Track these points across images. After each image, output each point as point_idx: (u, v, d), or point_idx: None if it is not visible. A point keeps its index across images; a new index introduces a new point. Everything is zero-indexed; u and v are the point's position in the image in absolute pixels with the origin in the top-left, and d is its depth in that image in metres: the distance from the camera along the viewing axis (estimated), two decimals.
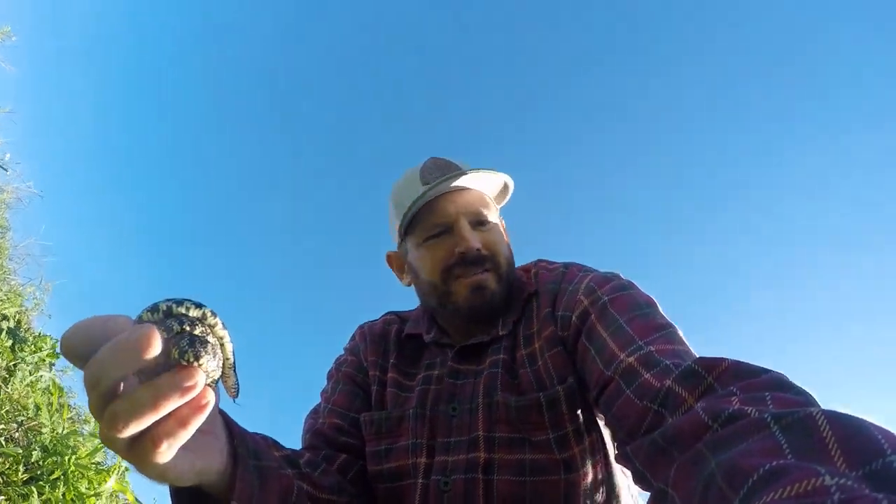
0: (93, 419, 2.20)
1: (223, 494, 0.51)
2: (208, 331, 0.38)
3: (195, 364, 0.36)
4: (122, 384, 0.36)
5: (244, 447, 0.54)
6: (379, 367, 0.91)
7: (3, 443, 1.65)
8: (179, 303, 0.38)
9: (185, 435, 0.38)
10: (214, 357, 0.38)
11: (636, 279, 0.75)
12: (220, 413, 0.51)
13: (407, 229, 0.89)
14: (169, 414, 0.36)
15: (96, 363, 0.34)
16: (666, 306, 0.70)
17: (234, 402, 0.45)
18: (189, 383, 0.35)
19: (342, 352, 0.99)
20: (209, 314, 0.39)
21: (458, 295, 0.83)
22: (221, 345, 0.39)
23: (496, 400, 0.76)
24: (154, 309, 0.37)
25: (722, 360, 0.49)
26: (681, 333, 0.63)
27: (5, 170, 2.41)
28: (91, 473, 1.79)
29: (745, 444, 0.35)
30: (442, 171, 0.86)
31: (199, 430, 0.40)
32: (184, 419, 0.37)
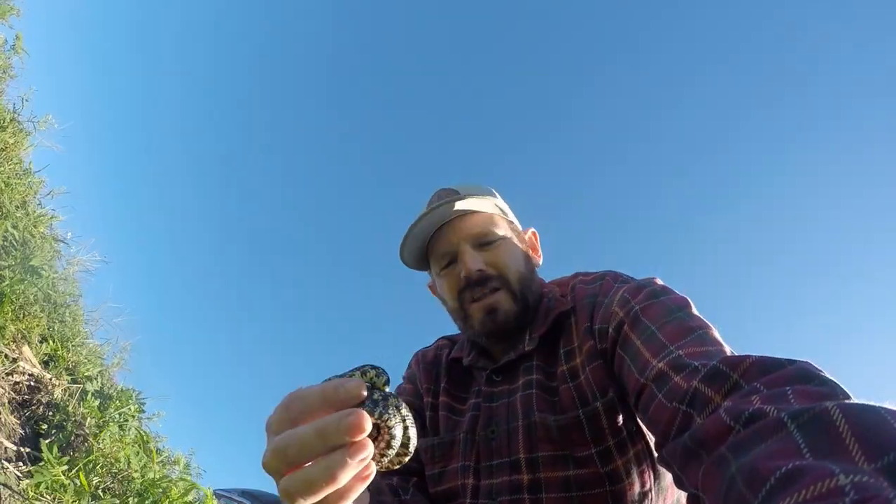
0: (181, 462, 2.26)
1: None
2: (395, 401, 0.40)
3: (387, 435, 0.38)
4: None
5: (372, 484, 0.57)
6: (432, 392, 0.93)
7: (101, 494, 1.70)
8: (379, 373, 0.40)
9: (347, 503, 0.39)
10: (401, 427, 0.39)
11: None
12: None
13: (429, 261, 0.92)
14: None
15: (299, 442, 0.35)
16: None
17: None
18: (365, 458, 0.36)
19: (401, 380, 1.01)
20: (393, 395, 0.40)
21: (474, 319, 0.85)
22: (406, 426, 0.40)
23: (534, 420, 0.77)
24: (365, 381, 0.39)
25: (746, 356, 0.50)
26: (714, 333, 0.63)
27: (69, 245, 2.56)
28: None
29: (764, 445, 0.36)
30: (442, 200, 0.87)
31: None
32: (347, 490, 0.37)
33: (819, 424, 0.34)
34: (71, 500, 1.44)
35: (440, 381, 0.94)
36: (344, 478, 0.35)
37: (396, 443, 0.39)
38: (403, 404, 0.40)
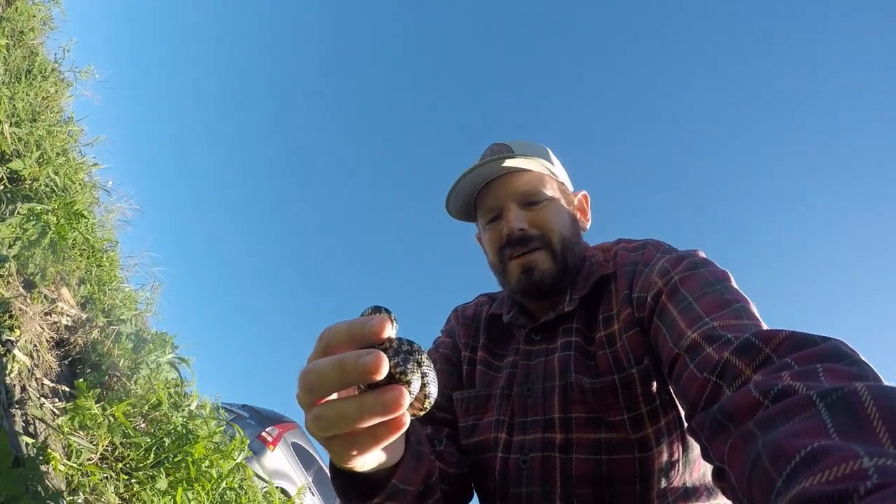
0: (207, 406, 2.36)
1: (385, 472, 0.55)
2: (419, 356, 0.40)
3: (405, 387, 0.36)
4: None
5: (414, 432, 0.59)
6: (470, 347, 0.94)
7: (132, 433, 1.79)
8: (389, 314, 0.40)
9: (377, 448, 0.40)
10: (418, 381, 0.39)
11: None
12: None
13: (476, 213, 0.92)
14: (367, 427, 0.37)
15: (318, 373, 0.36)
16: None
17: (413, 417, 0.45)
18: (395, 407, 0.35)
19: (440, 333, 1.03)
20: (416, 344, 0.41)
21: (512, 276, 0.86)
22: (424, 382, 0.40)
23: (570, 381, 0.77)
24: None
25: (780, 331, 0.49)
26: (752, 308, 0.62)
27: (109, 193, 2.63)
28: (212, 454, 1.90)
29: (791, 422, 0.36)
30: (494, 155, 0.87)
31: None
32: (379, 436, 0.38)
33: (847, 405, 0.34)
34: (104, 435, 1.52)
35: (479, 337, 0.95)
36: (367, 420, 0.36)
37: (411, 396, 0.39)
38: (427, 360, 0.41)
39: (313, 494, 4.72)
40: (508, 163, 0.84)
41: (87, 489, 1.39)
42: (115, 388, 1.95)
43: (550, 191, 0.87)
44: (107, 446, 1.56)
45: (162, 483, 1.66)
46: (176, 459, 1.75)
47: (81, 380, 1.74)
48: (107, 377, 1.93)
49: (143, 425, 1.88)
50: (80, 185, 2.39)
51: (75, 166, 2.39)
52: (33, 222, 1.72)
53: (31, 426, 1.35)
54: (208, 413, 2.15)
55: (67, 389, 1.66)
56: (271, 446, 4.25)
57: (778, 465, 0.33)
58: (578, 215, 0.93)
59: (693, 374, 0.56)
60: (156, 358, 2.34)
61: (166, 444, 1.78)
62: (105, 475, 1.48)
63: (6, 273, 1.58)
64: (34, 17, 2.45)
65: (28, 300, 1.70)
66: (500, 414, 0.82)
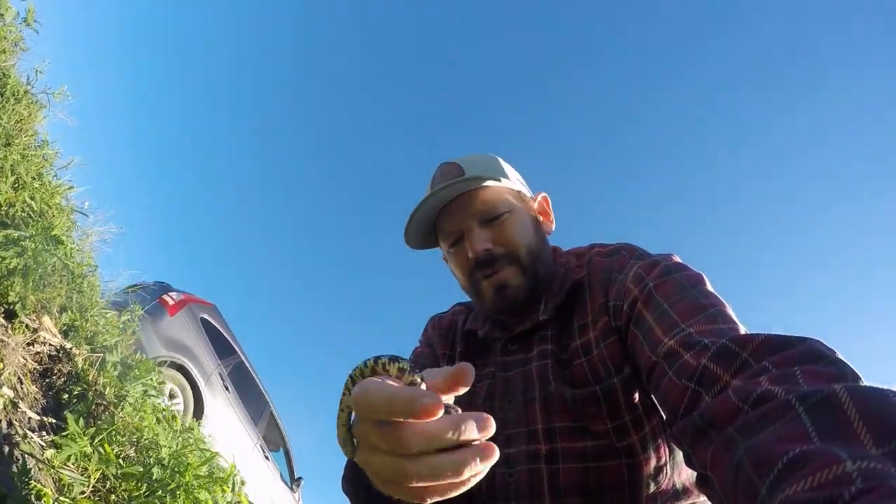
0: (195, 429, 2.29)
1: None
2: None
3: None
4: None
5: None
6: (448, 358, 0.93)
7: (123, 463, 1.73)
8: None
9: (453, 495, 0.38)
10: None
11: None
12: None
13: (438, 236, 0.90)
14: None
15: (371, 402, 0.35)
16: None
17: None
18: (492, 456, 0.36)
19: (417, 343, 1.00)
20: None
21: (486, 296, 0.84)
22: None
23: (550, 391, 0.76)
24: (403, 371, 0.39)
25: (757, 335, 0.49)
26: (728, 310, 0.62)
27: (86, 216, 2.56)
28: (206, 482, 1.85)
29: (772, 428, 0.36)
30: (445, 178, 0.86)
31: None
32: (461, 484, 0.37)
33: (827, 408, 0.33)
34: (95, 469, 1.46)
35: (456, 348, 0.93)
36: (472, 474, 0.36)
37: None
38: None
39: (227, 389, 3.97)
40: (460, 185, 0.83)
41: None
42: (103, 416, 1.88)
43: (508, 202, 0.85)
44: (98, 478, 1.51)
45: None
46: (169, 488, 1.69)
47: (69, 411, 1.68)
48: (93, 406, 1.86)
49: (132, 454, 1.82)
50: (56, 209, 2.32)
51: (51, 190, 2.32)
52: (11, 249, 1.66)
53: (20, 461, 1.30)
54: (196, 437, 2.08)
55: (54, 421, 1.59)
56: (171, 311, 3.56)
57: (761, 471, 0.33)
58: (541, 219, 0.92)
59: (672, 381, 0.56)
60: (143, 384, 2.27)
61: (155, 475, 1.73)
62: None
63: None
64: (5, 38, 2.39)
65: (9, 330, 1.64)
66: None
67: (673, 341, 0.59)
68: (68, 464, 1.42)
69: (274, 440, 4.99)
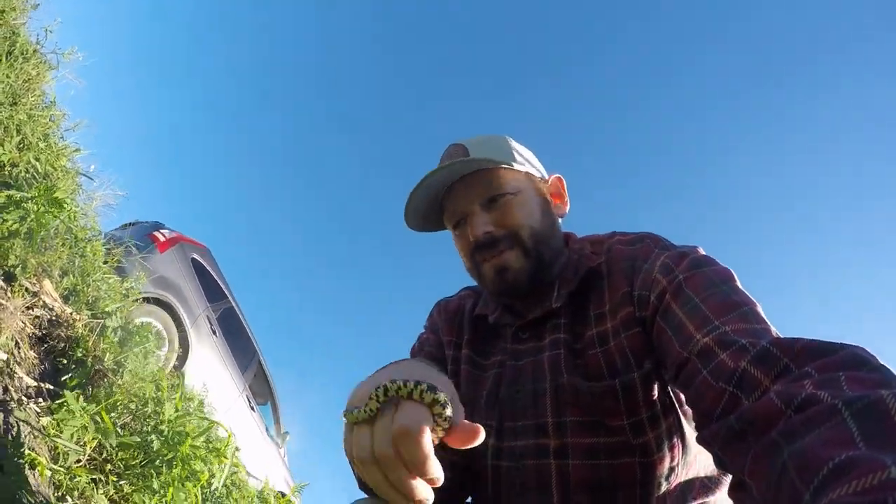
0: (196, 399, 2.29)
1: None
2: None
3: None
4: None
5: None
6: (454, 345, 0.90)
7: (120, 431, 1.73)
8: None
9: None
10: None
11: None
12: None
13: (444, 218, 0.88)
14: None
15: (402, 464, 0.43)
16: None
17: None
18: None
19: (423, 329, 0.97)
20: None
21: (487, 279, 0.83)
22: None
23: (562, 383, 0.74)
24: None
25: (797, 340, 0.48)
26: (759, 310, 0.60)
27: (91, 179, 2.52)
28: (203, 453, 1.85)
29: (818, 432, 0.35)
30: (450, 159, 0.84)
31: None
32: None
33: (874, 413, 0.33)
34: (92, 439, 1.45)
35: (463, 334, 0.90)
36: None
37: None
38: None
39: (215, 333, 3.86)
40: (465, 164, 0.80)
41: (76, 493, 1.33)
42: (102, 383, 1.88)
43: (514, 183, 0.83)
44: (95, 447, 1.50)
45: (154, 484, 1.60)
46: (167, 458, 1.69)
47: (68, 377, 1.67)
48: (92, 373, 1.85)
49: (131, 422, 1.82)
50: (61, 171, 2.29)
51: (57, 152, 2.28)
52: (13, 210, 1.63)
53: (14, 428, 1.29)
54: (197, 406, 2.09)
55: (51, 387, 1.58)
56: (161, 248, 3.45)
57: (805, 477, 0.33)
58: (554, 201, 0.88)
59: (707, 381, 0.54)
60: (142, 350, 2.27)
61: (155, 446, 1.73)
62: (94, 477, 1.42)
63: None
64: None
65: (8, 293, 1.62)
66: (487, 419, 0.79)
67: (707, 339, 0.57)
68: (64, 433, 1.41)
69: (261, 393, 4.88)
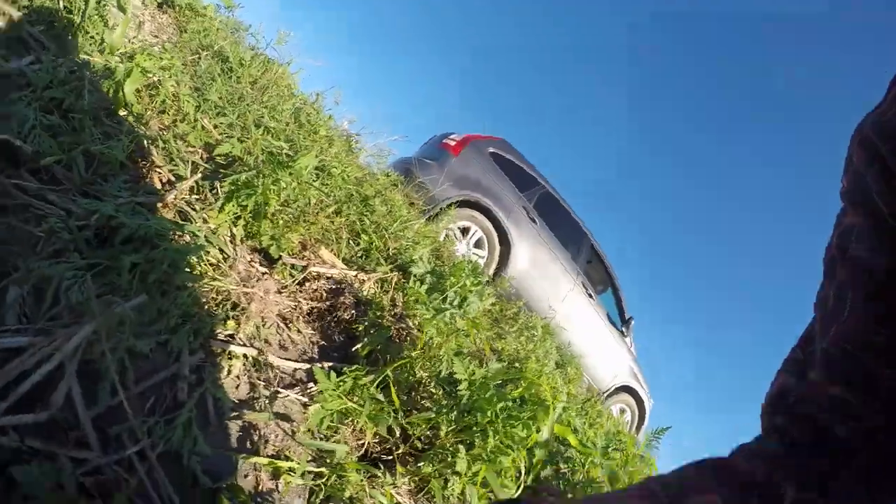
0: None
1: None
2: None
3: None
4: None
5: None
6: None
7: (421, 395, 1.42)
8: None
9: None
10: None
11: None
12: None
13: None
14: None
15: None
16: None
17: None
18: None
19: (840, 206, 0.51)
20: None
21: None
22: None
23: None
24: None
25: None
26: None
27: (357, 135, 2.47)
28: (524, 416, 1.35)
29: None
30: None
31: None
32: None
33: None
34: (360, 428, 1.14)
35: None
36: None
37: None
38: None
39: (534, 222, 3.62)
40: None
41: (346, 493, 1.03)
42: (404, 345, 1.63)
43: None
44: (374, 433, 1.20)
45: (459, 464, 1.21)
46: (479, 426, 1.27)
47: (360, 346, 1.44)
48: (392, 334, 1.63)
49: (433, 389, 1.49)
50: (324, 141, 2.21)
51: (311, 128, 2.22)
52: (242, 189, 1.49)
53: (255, 432, 1.06)
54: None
55: (337, 364, 1.38)
56: (454, 151, 3.40)
57: None
58: None
59: None
60: (457, 293, 1.95)
61: (452, 416, 1.33)
62: (371, 473, 1.10)
63: (230, 261, 1.38)
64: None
65: (271, 274, 1.51)
66: None
67: None
68: (327, 425, 1.14)
69: (599, 280, 4.45)
